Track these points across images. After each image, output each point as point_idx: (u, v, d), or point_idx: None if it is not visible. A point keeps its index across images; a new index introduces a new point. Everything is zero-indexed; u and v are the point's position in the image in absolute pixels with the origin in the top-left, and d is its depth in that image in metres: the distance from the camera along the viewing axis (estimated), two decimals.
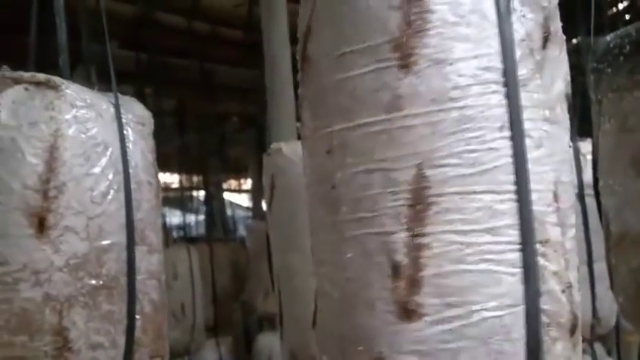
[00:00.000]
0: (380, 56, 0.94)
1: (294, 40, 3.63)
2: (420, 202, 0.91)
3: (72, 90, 1.30)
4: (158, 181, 1.46)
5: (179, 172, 7.63)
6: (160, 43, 4.83)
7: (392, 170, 0.93)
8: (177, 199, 7.91)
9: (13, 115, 1.26)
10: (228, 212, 7.84)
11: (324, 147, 1.01)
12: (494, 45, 0.91)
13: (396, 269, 0.92)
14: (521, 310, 0.89)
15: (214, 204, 7.17)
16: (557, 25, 0.99)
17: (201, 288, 4.57)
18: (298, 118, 3.75)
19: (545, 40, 0.95)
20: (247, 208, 9.79)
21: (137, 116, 1.44)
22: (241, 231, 7.97)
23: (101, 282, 1.29)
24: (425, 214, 0.91)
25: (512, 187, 0.90)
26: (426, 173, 0.91)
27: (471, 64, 0.91)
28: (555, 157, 0.94)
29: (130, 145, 1.37)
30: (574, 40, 3.24)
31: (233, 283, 5.35)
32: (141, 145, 1.41)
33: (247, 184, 10.21)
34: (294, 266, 1.89)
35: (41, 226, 1.24)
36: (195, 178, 7.74)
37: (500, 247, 0.89)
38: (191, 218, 7.77)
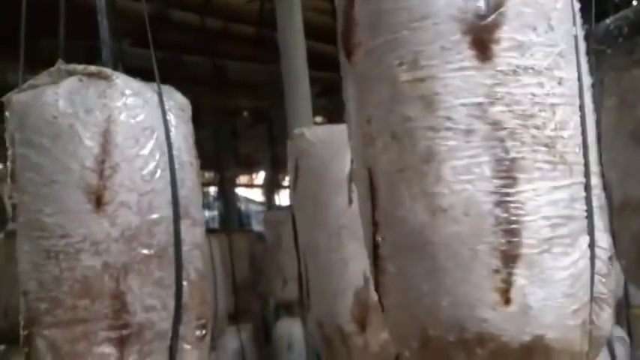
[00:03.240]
0: None
1: (308, 35, 3.72)
2: None
3: (121, 80, 1.45)
4: (198, 161, 1.61)
5: None
6: (173, 40, 4.95)
7: None
8: None
9: (70, 104, 1.40)
10: (241, 206, 7.94)
11: None
12: None
13: None
14: None
15: (228, 198, 7.29)
16: None
17: (222, 277, 4.70)
18: (314, 111, 3.84)
19: None
20: (259, 203, 9.91)
21: (178, 103, 1.58)
22: (254, 225, 8.11)
23: (152, 251, 1.43)
24: None
25: None
26: None
27: None
28: None
29: (172, 129, 1.51)
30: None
31: (251, 273, 5.48)
32: (182, 129, 1.55)
33: (259, 178, 10.32)
34: (319, 242, 2.04)
35: (98, 202, 1.39)
36: (206, 174, 7.86)
37: None
38: (205, 213, 7.88)
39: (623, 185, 1.77)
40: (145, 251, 1.42)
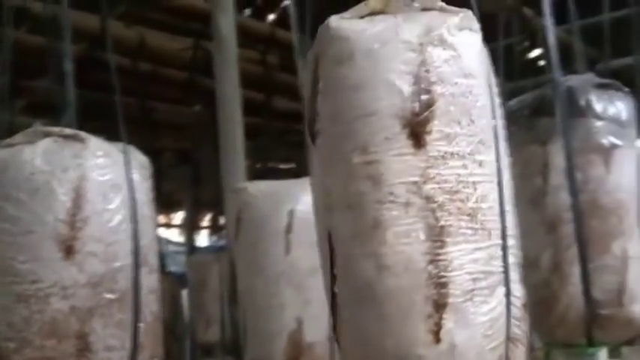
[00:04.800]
0: None
1: (244, 84, 3.92)
2: None
3: (93, 142, 1.62)
4: (156, 214, 1.78)
5: None
6: (104, 81, 5.02)
7: None
8: None
9: (46, 162, 1.56)
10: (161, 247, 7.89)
11: None
12: None
13: None
14: None
15: None
16: None
17: None
18: (247, 156, 4.03)
19: None
20: (176, 243, 9.86)
21: (140, 162, 1.76)
22: (170, 265, 8.09)
23: (115, 296, 1.59)
24: None
25: None
26: None
27: None
28: None
29: (135, 185, 1.69)
30: None
31: (170, 315, 5.51)
32: (144, 186, 1.73)
33: (177, 218, 10.30)
34: (258, 287, 2.23)
35: (69, 251, 1.54)
36: None
37: None
38: None
39: (522, 244, 2.06)
40: (109, 296, 1.58)
